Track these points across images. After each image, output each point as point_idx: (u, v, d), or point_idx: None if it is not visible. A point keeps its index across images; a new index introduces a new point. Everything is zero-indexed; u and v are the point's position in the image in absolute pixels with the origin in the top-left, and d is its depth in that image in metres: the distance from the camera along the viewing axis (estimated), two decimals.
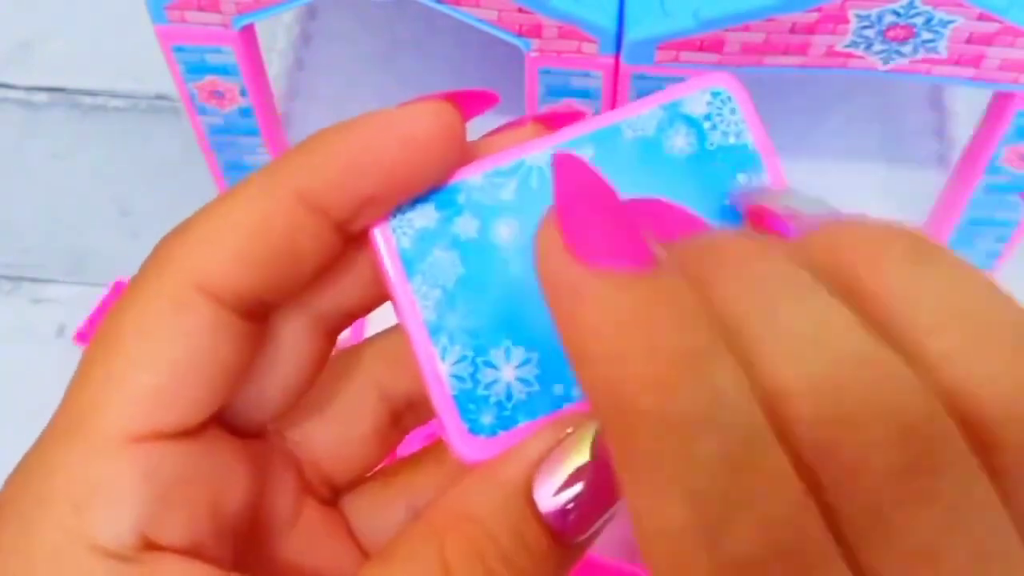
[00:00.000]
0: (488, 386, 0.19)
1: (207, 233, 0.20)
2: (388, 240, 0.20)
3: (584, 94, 0.44)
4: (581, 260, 0.15)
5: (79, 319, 0.50)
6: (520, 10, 0.40)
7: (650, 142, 0.21)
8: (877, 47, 0.40)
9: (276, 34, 0.60)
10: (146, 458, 0.18)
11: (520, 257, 0.19)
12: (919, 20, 0.38)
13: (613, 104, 0.44)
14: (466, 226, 0.20)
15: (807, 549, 0.15)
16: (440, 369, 0.19)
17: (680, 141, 0.21)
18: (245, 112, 0.47)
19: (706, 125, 0.21)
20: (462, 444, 0.19)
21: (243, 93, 0.46)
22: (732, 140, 0.22)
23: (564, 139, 0.21)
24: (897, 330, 0.16)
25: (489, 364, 0.19)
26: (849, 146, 0.56)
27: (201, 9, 0.42)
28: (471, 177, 0.20)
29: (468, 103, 0.21)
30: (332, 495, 0.23)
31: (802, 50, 0.40)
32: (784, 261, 0.16)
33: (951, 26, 0.38)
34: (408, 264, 0.20)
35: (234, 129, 0.48)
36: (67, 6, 0.65)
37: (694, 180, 0.21)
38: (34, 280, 0.55)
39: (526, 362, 0.19)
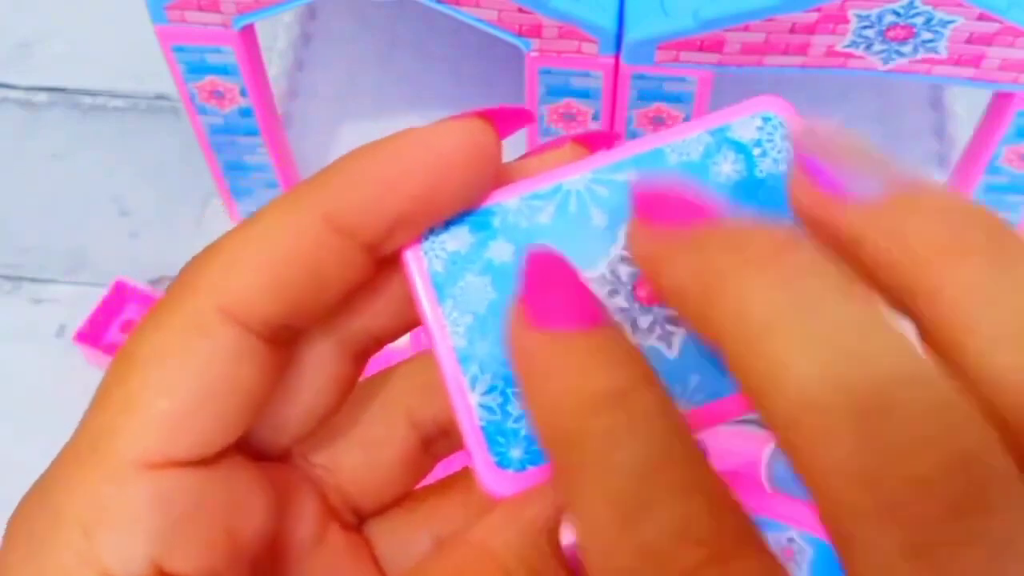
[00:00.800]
0: (518, 419, 0.18)
1: (231, 256, 0.19)
2: (419, 263, 0.19)
3: (584, 94, 0.44)
4: (537, 327, 0.17)
5: (79, 319, 0.50)
6: (520, 10, 0.40)
7: (695, 167, 0.20)
8: (877, 47, 0.40)
9: (276, 34, 0.60)
10: (160, 485, 0.18)
11: None
12: (919, 20, 0.38)
13: (613, 104, 0.44)
14: (500, 251, 0.19)
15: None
16: (469, 399, 0.18)
17: (727, 168, 0.20)
18: (245, 112, 0.47)
19: (756, 152, 0.20)
20: (489, 477, 0.18)
21: (243, 93, 0.46)
22: (783, 168, 0.20)
23: (604, 163, 0.20)
24: (954, 340, 0.15)
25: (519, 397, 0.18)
26: None
27: (201, 9, 0.42)
28: (507, 200, 0.20)
29: (503, 121, 0.20)
30: (357, 520, 0.22)
31: (802, 50, 0.40)
32: (819, 255, 0.16)
33: (951, 26, 0.38)
34: (439, 288, 0.19)
35: (234, 129, 0.48)
36: (67, 6, 0.65)
37: (741, 208, 0.20)
38: (34, 280, 0.55)
39: None
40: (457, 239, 0.19)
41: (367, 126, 0.58)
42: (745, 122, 0.20)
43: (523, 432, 0.18)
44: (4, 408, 0.51)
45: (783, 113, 0.20)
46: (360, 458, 0.21)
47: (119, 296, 0.51)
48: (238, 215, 0.53)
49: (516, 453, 0.18)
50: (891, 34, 0.39)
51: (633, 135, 0.45)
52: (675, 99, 0.43)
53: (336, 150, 0.57)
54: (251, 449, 0.20)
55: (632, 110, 0.44)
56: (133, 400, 0.18)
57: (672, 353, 0.18)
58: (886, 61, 0.40)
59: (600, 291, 0.18)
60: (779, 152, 0.20)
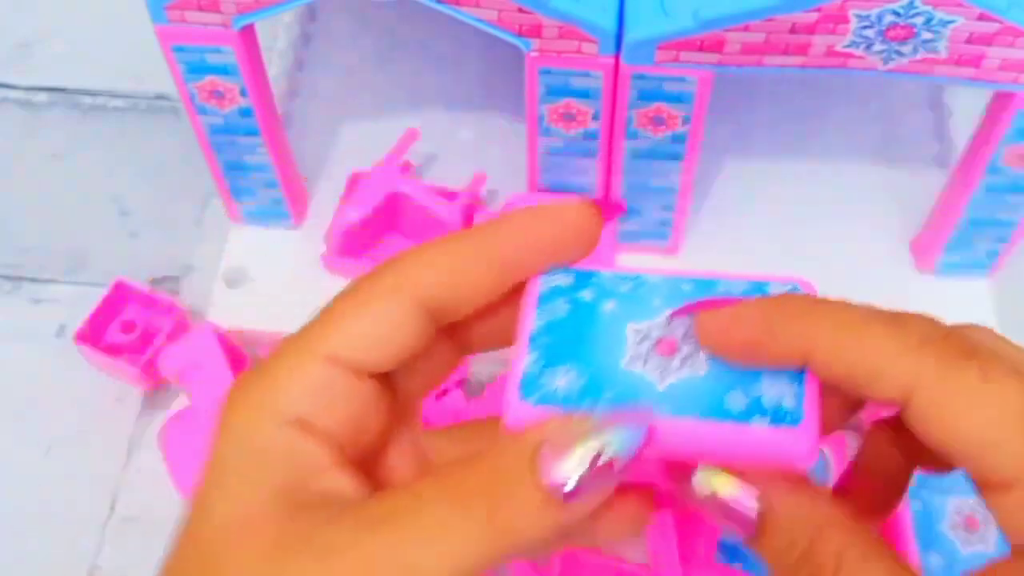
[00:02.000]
0: (548, 381, 0.28)
1: (428, 259, 0.28)
2: (536, 285, 0.29)
3: (584, 94, 0.44)
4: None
5: (79, 319, 0.50)
6: (520, 10, 0.40)
7: (735, 296, 0.28)
8: (877, 47, 0.40)
9: (276, 34, 0.60)
10: (335, 373, 0.26)
11: (604, 323, 0.28)
12: (919, 20, 0.38)
13: (613, 104, 0.44)
14: (586, 294, 0.29)
15: None
16: (523, 361, 0.28)
17: None
18: (245, 112, 0.47)
19: None
20: (514, 403, 0.27)
21: (243, 93, 0.46)
22: None
23: (671, 275, 0.29)
24: None
25: (554, 370, 0.28)
26: (849, 146, 0.56)
27: (201, 9, 0.42)
28: (606, 271, 0.30)
29: (607, 210, 0.31)
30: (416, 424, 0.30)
31: (802, 50, 0.40)
32: None
33: (951, 26, 0.38)
34: (540, 301, 0.29)
35: (234, 129, 0.48)
36: (67, 6, 0.65)
37: None
38: (34, 280, 0.55)
39: (578, 377, 0.27)
40: (565, 280, 0.29)
41: (367, 126, 0.58)
42: (780, 285, 0.28)
43: (547, 387, 0.27)
44: (4, 408, 0.51)
45: (807, 289, 0.28)
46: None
47: (119, 296, 0.51)
48: (238, 215, 0.53)
49: (535, 395, 0.27)
50: (891, 34, 0.39)
51: (634, 135, 0.45)
52: (675, 99, 0.43)
53: (336, 150, 0.57)
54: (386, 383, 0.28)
55: (632, 110, 0.44)
56: (347, 316, 0.26)
57: (662, 386, 0.27)
58: (886, 61, 0.40)
59: (635, 336, 0.28)
60: None
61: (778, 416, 0.26)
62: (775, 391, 0.26)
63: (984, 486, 0.22)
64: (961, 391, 0.22)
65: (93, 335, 0.50)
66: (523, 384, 0.27)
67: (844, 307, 0.25)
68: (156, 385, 0.50)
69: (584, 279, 0.30)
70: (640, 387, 0.27)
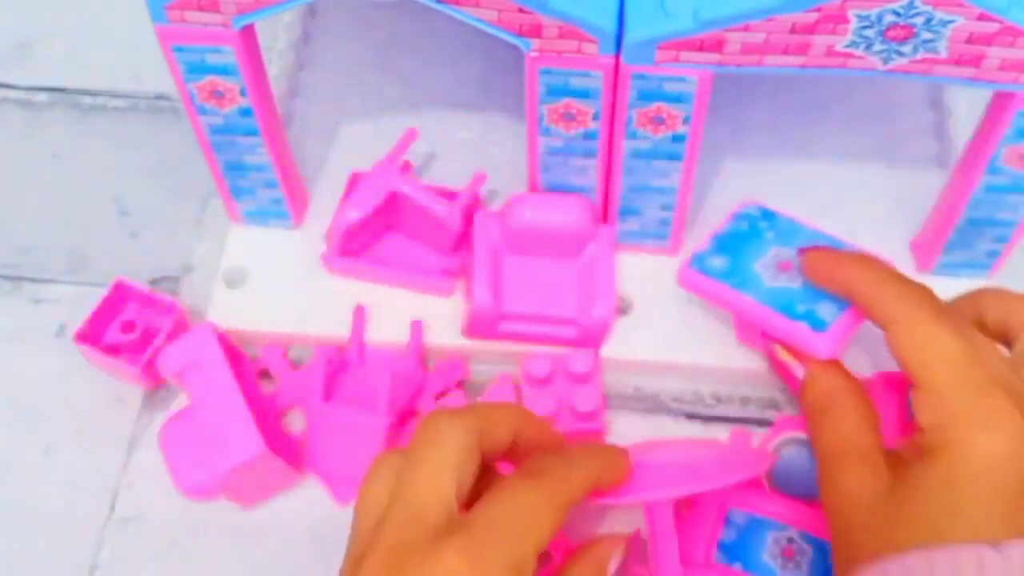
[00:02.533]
0: (709, 261, 0.46)
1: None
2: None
3: (584, 94, 0.44)
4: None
5: (79, 319, 0.50)
6: (520, 10, 0.40)
7: None
8: (877, 47, 0.40)
9: (276, 34, 0.60)
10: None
11: (761, 242, 0.47)
12: (919, 20, 0.38)
13: (613, 104, 0.44)
14: (762, 223, 0.47)
15: None
16: (704, 246, 0.47)
17: None
18: (245, 112, 0.47)
19: None
20: (684, 267, 0.47)
21: (243, 93, 0.46)
22: None
23: (813, 230, 0.47)
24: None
25: (716, 256, 0.47)
26: (849, 146, 0.56)
27: (201, 9, 0.42)
28: (781, 215, 0.48)
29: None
30: None
31: (802, 50, 0.40)
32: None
33: (951, 26, 0.38)
34: (734, 217, 0.48)
35: (234, 129, 0.48)
36: (67, 6, 0.65)
37: None
38: (34, 280, 0.55)
39: (726, 264, 0.46)
40: (754, 210, 0.48)
41: (367, 126, 0.58)
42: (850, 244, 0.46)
43: (705, 264, 0.46)
44: (4, 408, 0.51)
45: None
46: None
47: (119, 296, 0.51)
48: (238, 215, 0.53)
49: (697, 266, 0.46)
50: (891, 34, 0.39)
51: (634, 135, 0.45)
52: (675, 99, 0.43)
53: (336, 150, 0.57)
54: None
55: (632, 110, 0.44)
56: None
57: (768, 285, 0.45)
58: (886, 61, 0.40)
59: (772, 255, 0.46)
60: None
61: (815, 324, 0.43)
62: (824, 309, 0.43)
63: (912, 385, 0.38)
64: (905, 332, 0.38)
65: (93, 335, 0.50)
66: (695, 258, 0.47)
67: (874, 266, 0.41)
68: (156, 385, 0.50)
69: (766, 215, 0.48)
70: (756, 282, 0.45)
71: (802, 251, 0.44)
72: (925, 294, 0.39)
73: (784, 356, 0.45)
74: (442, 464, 0.34)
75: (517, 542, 0.33)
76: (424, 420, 0.36)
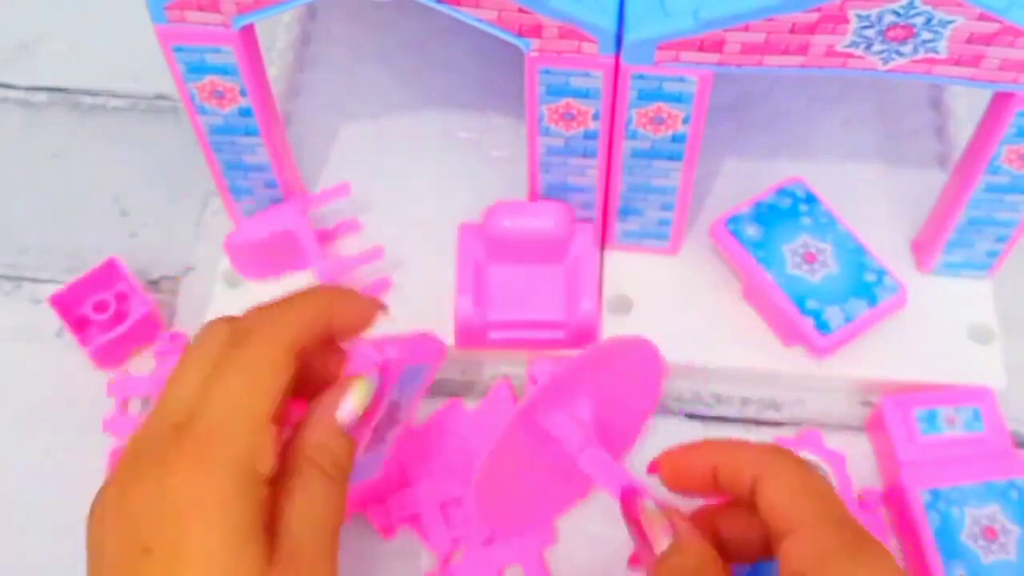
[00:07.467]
0: (743, 228, 0.48)
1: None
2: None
3: (584, 94, 0.44)
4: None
5: None
6: (520, 10, 0.40)
7: None
8: (877, 47, 0.40)
9: (276, 34, 0.60)
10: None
11: (796, 225, 0.50)
12: (919, 20, 0.38)
13: (613, 104, 0.44)
14: (803, 206, 0.50)
15: None
16: (741, 209, 0.48)
17: None
18: (245, 112, 0.47)
19: None
20: (719, 226, 0.49)
21: (243, 93, 0.46)
22: None
23: (846, 231, 0.50)
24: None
25: (751, 224, 0.49)
26: (849, 146, 0.56)
27: (201, 9, 0.42)
28: (822, 203, 0.50)
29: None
30: None
31: (802, 50, 0.40)
32: None
33: (951, 26, 0.38)
34: (779, 192, 0.50)
35: (234, 129, 0.48)
36: (67, 6, 0.65)
37: None
38: (34, 280, 0.55)
39: (757, 235, 0.48)
40: (801, 192, 0.50)
41: (367, 126, 0.58)
42: None
43: (739, 229, 0.48)
44: (4, 408, 0.51)
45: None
46: None
47: (107, 274, 0.52)
48: (238, 215, 0.53)
49: (731, 229, 0.48)
50: (891, 34, 0.39)
51: (634, 135, 0.45)
52: (675, 99, 0.43)
53: (336, 150, 0.57)
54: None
55: (632, 110, 0.44)
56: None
57: (787, 270, 0.48)
58: (886, 61, 0.40)
59: (801, 241, 0.48)
60: None
61: (821, 325, 0.47)
62: (832, 314, 0.47)
63: (772, 538, 0.35)
64: (771, 482, 0.35)
65: (67, 301, 0.51)
66: (732, 218, 0.49)
67: (725, 440, 0.38)
68: (105, 368, 0.51)
69: (810, 198, 0.50)
70: (780, 263, 0.48)
71: (654, 468, 0.39)
72: (778, 447, 0.38)
73: (653, 521, 0.37)
74: (188, 367, 0.37)
75: (239, 424, 0.35)
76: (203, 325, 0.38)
